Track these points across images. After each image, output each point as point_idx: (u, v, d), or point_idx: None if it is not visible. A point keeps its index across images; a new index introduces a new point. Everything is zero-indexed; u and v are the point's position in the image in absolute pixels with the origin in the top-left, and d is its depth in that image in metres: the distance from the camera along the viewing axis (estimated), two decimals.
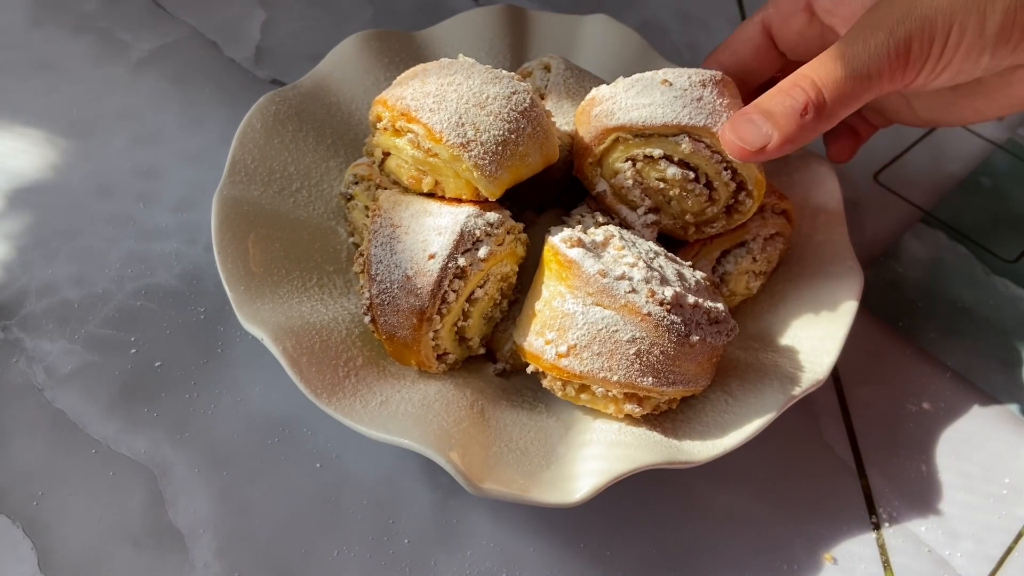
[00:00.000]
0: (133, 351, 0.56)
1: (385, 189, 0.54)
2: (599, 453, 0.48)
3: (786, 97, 0.44)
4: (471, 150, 0.48)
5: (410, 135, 0.49)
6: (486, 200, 0.50)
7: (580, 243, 0.49)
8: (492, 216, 0.49)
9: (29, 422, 0.52)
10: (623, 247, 0.50)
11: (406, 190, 0.52)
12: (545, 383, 0.51)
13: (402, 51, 0.67)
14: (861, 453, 0.56)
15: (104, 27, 0.75)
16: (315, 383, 0.47)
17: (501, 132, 0.49)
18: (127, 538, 0.48)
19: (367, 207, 0.56)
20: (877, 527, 0.52)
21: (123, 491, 0.50)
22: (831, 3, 0.52)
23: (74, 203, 0.63)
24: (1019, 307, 0.64)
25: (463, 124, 0.48)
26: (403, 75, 0.52)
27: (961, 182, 0.73)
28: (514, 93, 0.50)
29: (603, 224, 0.54)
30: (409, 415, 0.47)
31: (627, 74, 0.64)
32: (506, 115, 0.49)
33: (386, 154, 0.52)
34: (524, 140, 0.50)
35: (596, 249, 0.49)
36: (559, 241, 0.49)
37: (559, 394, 0.50)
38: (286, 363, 0.47)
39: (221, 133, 0.68)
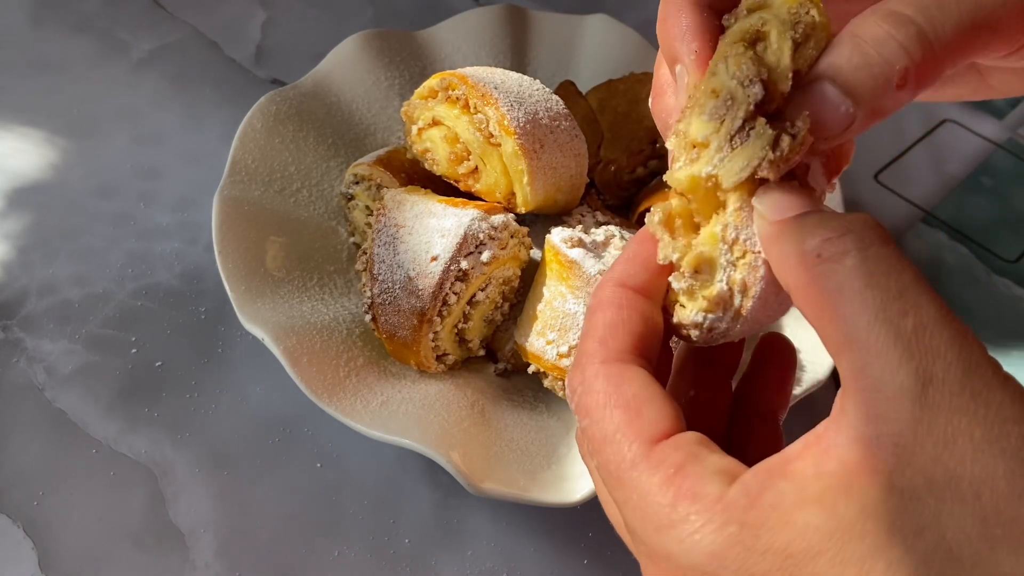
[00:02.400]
0: (133, 351, 0.56)
1: (388, 188, 0.54)
2: None
3: (875, 59, 0.27)
4: (533, 160, 0.49)
5: (479, 116, 0.50)
6: (504, 206, 0.51)
7: (581, 243, 0.49)
8: (496, 219, 0.49)
9: (30, 422, 0.52)
10: (624, 247, 0.50)
11: (411, 179, 0.53)
12: (546, 383, 0.51)
13: (402, 51, 0.67)
14: None
15: (104, 27, 0.75)
16: (316, 383, 0.47)
17: (560, 162, 0.51)
18: (128, 538, 0.48)
19: (368, 207, 0.56)
20: None
21: (124, 491, 0.50)
22: None
23: (74, 203, 0.63)
24: (1020, 307, 0.64)
25: (535, 133, 0.49)
26: (475, 67, 0.53)
27: (962, 182, 0.73)
28: (576, 138, 0.53)
29: (603, 224, 0.54)
30: (410, 415, 0.47)
31: (627, 73, 0.64)
32: (568, 150, 0.52)
33: (433, 124, 0.52)
34: (566, 181, 0.53)
35: (597, 249, 0.49)
36: (560, 241, 0.49)
37: (560, 394, 0.50)
38: (287, 363, 0.47)
39: (221, 133, 0.68)
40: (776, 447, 0.29)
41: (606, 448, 0.27)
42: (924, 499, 0.22)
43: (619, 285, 0.30)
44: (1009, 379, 0.24)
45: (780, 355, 0.35)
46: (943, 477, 0.22)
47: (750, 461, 0.27)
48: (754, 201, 0.28)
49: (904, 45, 0.27)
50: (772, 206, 0.27)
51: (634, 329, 0.29)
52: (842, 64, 0.27)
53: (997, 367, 0.24)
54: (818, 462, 0.23)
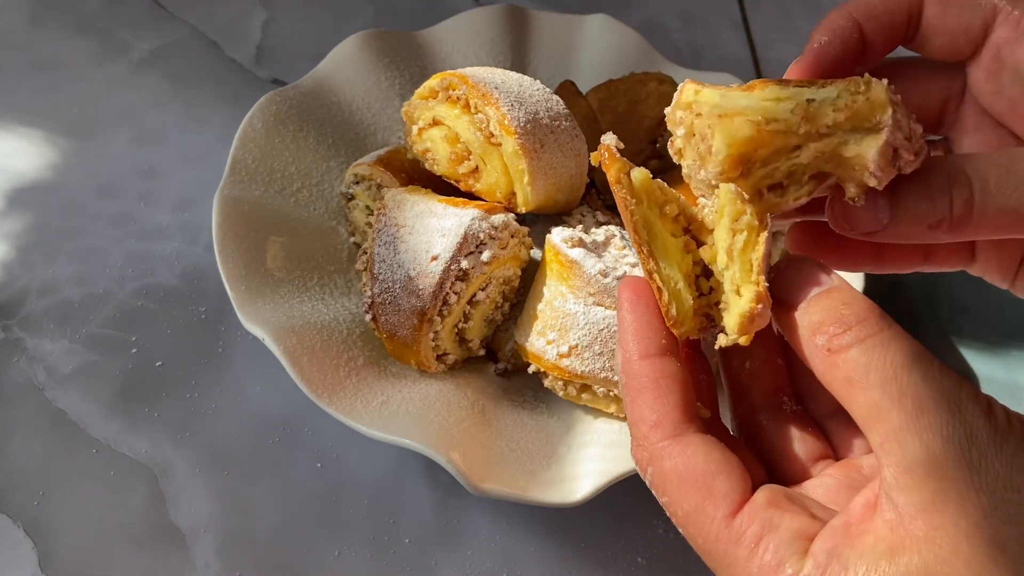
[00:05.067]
0: (134, 351, 0.56)
1: (388, 188, 0.54)
2: (600, 454, 0.48)
3: (926, 193, 0.32)
4: (533, 160, 0.49)
5: (479, 116, 0.50)
6: (505, 205, 0.51)
7: (581, 243, 0.49)
8: (497, 219, 0.49)
9: (30, 422, 0.52)
10: (624, 247, 0.50)
11: (411, 179, 0.53)
12: (546, 383, 0.51)
13: (403, 51, 0.67)
14: None
15: (105, 27, 0.75)
16: (316, 383, 0.47)
17: (560, 162, 0.51)
18: (128, 537, 0.48)
19: (368, 207, 0.56)
20: None
21: (124, 491, 0.50)
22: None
23: (75, 203, 0.63)
24: (1019, 307, 0.64)
25: (536, 133, 0.49)
26: (476, 67, 0.53)
27: None
28: (576, 138, 0.53)
29: (604, 224, 0.54)
30: (410, 415, 0.47)
31: (627, 73, 0.64)
32: (568, 150, 0.52)
33: (433, 124, 0.52)
34: (566, 181, 0.53)
35: (597, 249, 0.49)
36: (560, 241, 0.49)
37: (560, 394, 0.50)
38: (287, 363, 0.47)
39: (222, 133, 0.68)
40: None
41: (689, 527, 0.31)
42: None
43: (644, 358, 0.32)
44: (1007, 442, 0.27)
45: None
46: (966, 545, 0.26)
47: (820, 407, 0.35)
48: (769, 282, 0.32)
49: (952, 200, 0.32)
50: (787, 286, 0.31)
51: (677, 400, 0.32)
52: (903, 186, 0.32)
53: (993, 429, 0.27)
54: (874, 529, 0.27)
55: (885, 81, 0.31)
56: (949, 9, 0.37)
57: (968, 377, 0.60)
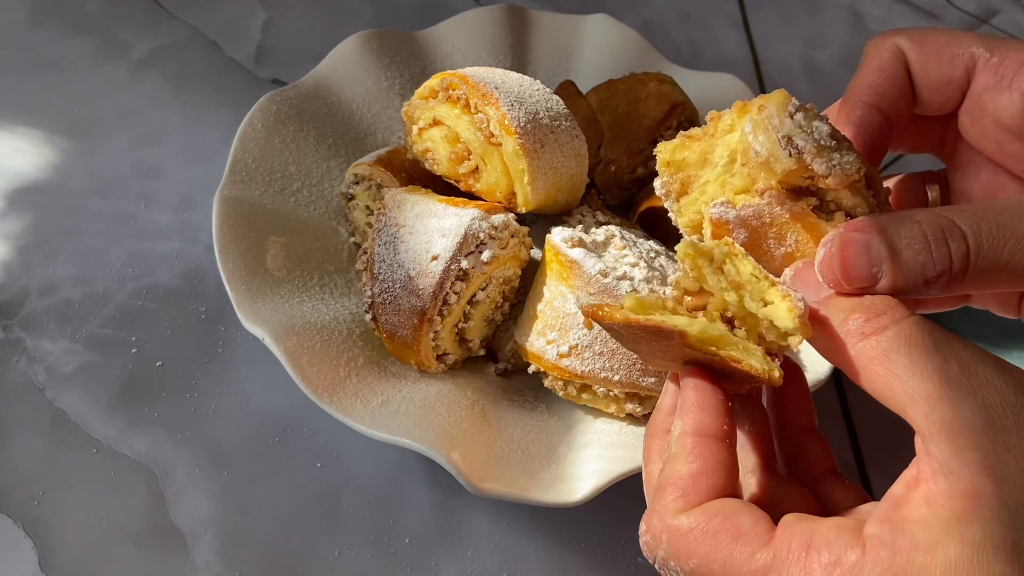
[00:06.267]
0: (134, 351, 0.56)
1: (389, 188, 0.54)
2: (600, 454, 0.48)
3: (925, 244, 0.31)
4: (533, 160, 0.49)
5: (479, 115, 0.50)
6: (504, 205, 0.51)
7: (581, 243, 0.49)
8: (497, 219, 0.49)
9: (30, 422, 0.52)
10: (624, 247, 0.50)
11: (411, 179, 0.53)
12: (547, 383, 0.51)
13: (403, 51, 0.67)
14: (862, 452, 0.56)
15: (104, 27, 0.75)
16: (316, 383, 0.47)
17: (560, 162, 0.51)
18: (128, 537, 0.48)
19: (368, 207, 0.56)
20: None
21: (124, 491, 0.50)
22: None
23: (74, 203, 0.63)
24: None
25: (536, 133, 0.49)
26: (476, 67, 0.53)
27: None
28: (576, 138, 0.53)
29: (603, 224, 0.54)
30: (410, 415, 0.47)
31: (627, 73, 0.64)
32: (568, 150, 0.52)
33: (433, 124, 0.52)
34: (566, 181, 0.52)
35: (597, 249, 0.49)
36: (560, 241, 0.49)
37: (560, 394, 0.50)
38: (287, 363, 0.47)
39: (222, 133, 0.68)
40: (825, 452, 0.35)
41: (732, 572, 0.29)
42: None
43: (699, 435, 0.32)
44: None
45: (792, 374, 0.38)
46: None
47: (811, 469, 0.35)
48: (791, 283, 0.33)
49: (950, 251, 0.31)
50: (811, 288, 0.33)
51: (716, 483, 0.31)
52: (899, 238, 0.31)
53: None
54: (929, 500, 0.27)
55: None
56: (928, 64, 0.38)
57: None
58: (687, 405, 0.33)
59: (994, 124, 0.38)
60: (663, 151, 0.37)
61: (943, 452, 0.27)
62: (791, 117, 0.33)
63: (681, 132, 0.38)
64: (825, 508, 0.34)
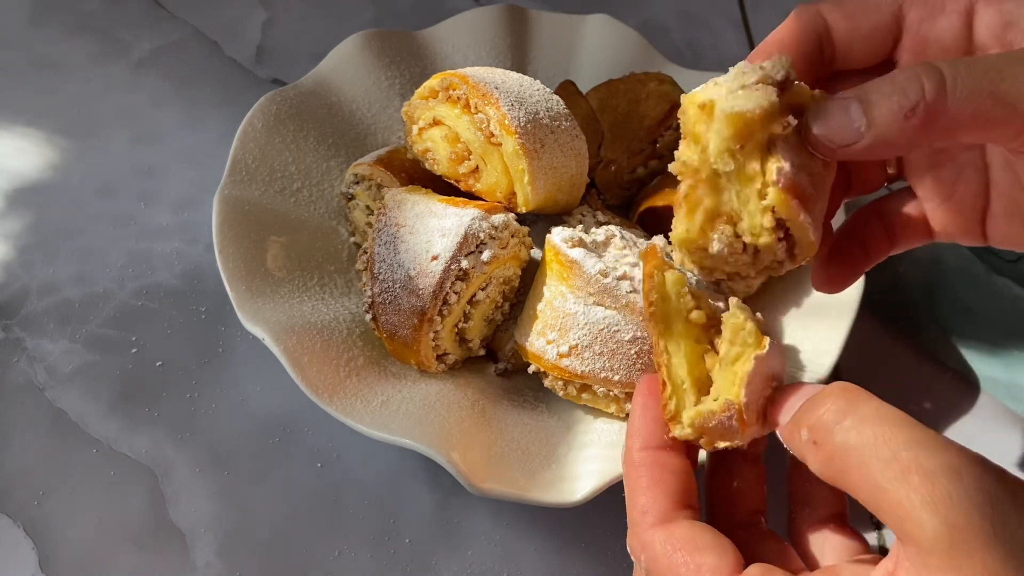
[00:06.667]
0: (134, 351, 0.56)
1: (389, 188, 0.54)
2: (600, 454, 0.48)
3: (895, 88, 0.32)
4: (533, 160, 0.49)
5: (479, 115, 0.50)
6: (505, 205, 0.51)
7: (581, 243, 0.49)
8: (497, 219, 0.49)
9: (30, 422, 0.52)
10: (624, 247, 0.50)
11: (411, 179, 0.53)
12: (546, 383, 0.51)
13: (403, 51, 0.67)
14: None
15: (105, 27, 0.75)
16: (316, 383, 0.47)
17: (560, 162, 0.51)
18: (128, 538, 0.48)
19: (368, 206, 0.56)
20: (879, 527, 0.52)
21: (124, 491, 0.50)
22: (1005, 17, 0.36)
23: (74, 203, 0.63)
24: (1020, 307, 0.64)
25: (536, 133, 0.49)
26: (476, 67, 0.53)
27: None
28: (576, 138, 0.53)
29: (604, 224, 0.54)
30: (410, 415, 0.47)
31: (627, 73, 0.64)
32: (568, 150, 0.52)
33: (433, 124, 0.52)
34: (566, 181, 0.52)
35: (597, 249, 0.49)
36: (560, 241, 0.49)
37: (560, 394, 0.50)
38: (287, 362, 0.47)
39: (222, 133, 0.68)
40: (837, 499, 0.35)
41: None
42: None
43: (643, 449, 0.34)
44: (1016, 505, 0.26)
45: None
46: None
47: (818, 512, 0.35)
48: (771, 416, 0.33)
49: (923, 84, 0.31)
50: (785, 413, 0.32)
51: (668, 490, 0.33)
52: (871, 88, 0.32)
53: (1010, 493, 0.26)
54: None
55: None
56: (855, 17, 0.38)
57: (968, 377, 0.60)
58: (630, 421, 0.35)
59: (939, 52, 0.37)
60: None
61: (921, 562, 0.26)
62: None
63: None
64: (809, 563, 0.34)
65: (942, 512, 0.25)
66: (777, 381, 0.33)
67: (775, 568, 0.29)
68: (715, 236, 0.34)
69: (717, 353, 0.34)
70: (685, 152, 0.34)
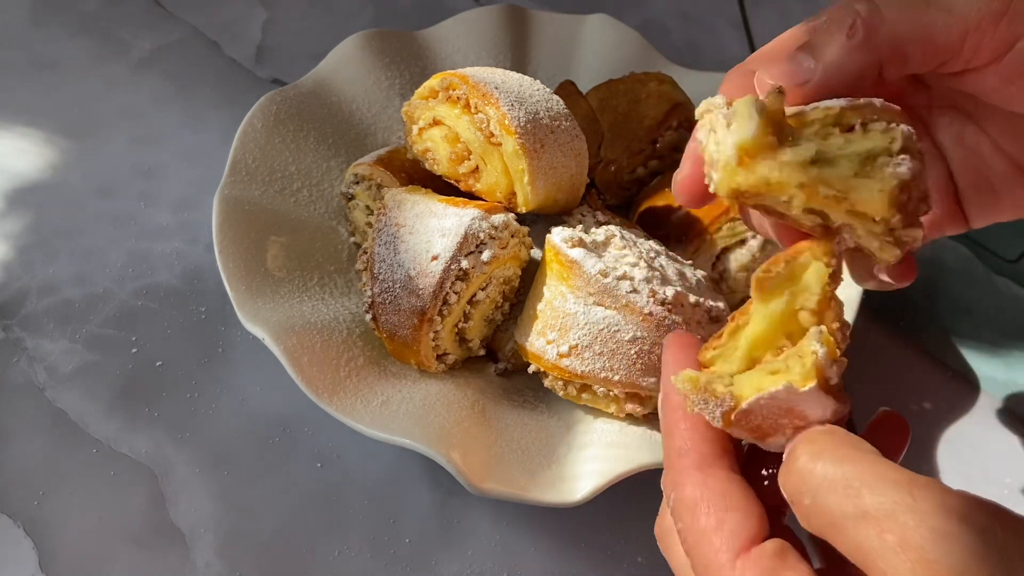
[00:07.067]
0: (134, 351, 0.56)
1: (389, 188, 0.54)
2: (600, 454, 0.48)
3: (831, 17, 0.33)
4: (533, 160, 0.49)
5: (479, 115, 0.50)
6: (505, 205, 0.51)
7: (581, 243, 0.49)
8: (497, 219, 0.49)
9: (30, 422, 0.52)
10: (624, 247, 0.50)
11: (411, 179, 0.53)
12: (547, 383, 0.51)
13: (403, 51, 0.67)
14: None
15: (105, 27, 0.75)
16: (316, 382, 0.47)
17: (560, 162, 0.51)
18: (128, 537, 0.48)
19: (368, 206, 0.56)
20: None
21: (124, 491, 0.50)
22: None
23: (75, 203, 0.63)
24: (1020, 307, 0.64)
25: (536, 133, 0.49)
26: (476, 67, 0.53)
27: None
28: (576, 138, 0.53)
29: (604, 224, 0.54)
30: (410, 415, 0.47)
31: (627, 73, 0.64)
32: (568, 150, 0.52)
33: (433, 124, 0.52)
34: (566, 181, 0.52)
35: (597, 249, 0.49)
36: (560, 241, 0.49)
37: (560, 394, 0.50)
38: (287, 362, 0.47)
39: (222, 133, 0.68)
40: None
41: (693, 554, 0.30)
42: None
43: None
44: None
45: (896, 432, 0.37)
46: None
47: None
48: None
49: (857, 6, 0.32)
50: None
51: (709, 433, 0.32)
52: (809, 29, 0.33)
53: (1011, 529, 0.25)
54: None
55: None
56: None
57: (968, 377, 0.60)
58: (664, 365, 0.34)
59: None
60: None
61: None
62: None
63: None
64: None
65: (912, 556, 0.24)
66: (805, 424, 0.30)
67: (792, 549, 0.29)
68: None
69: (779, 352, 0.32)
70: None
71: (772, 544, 0.29)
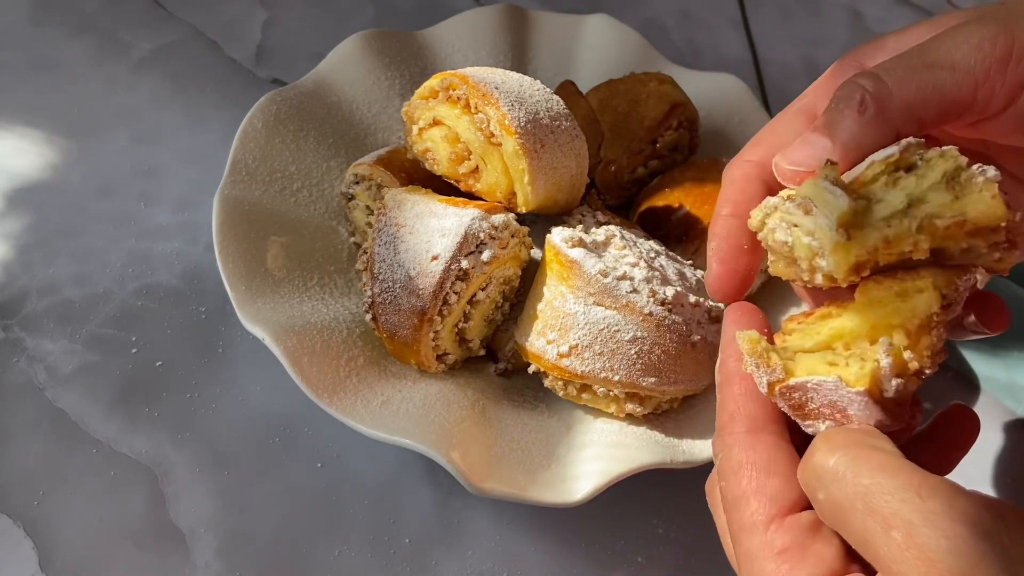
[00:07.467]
0: (134, 351, 0.56)
1: (389, 188, 0.54)
2: (600, 454, 0.48)
3: (838, 97, 0.34)
4: (533, 160, 0.49)
5: (479, 115, 0.50)
6: (505, 205, 0.51)
7: (581, 243, 0.49)
8: (497, 219, 0.49)
9: (30, 422, 0.52)
10: (624, 247, 0.50)
11: (411, 179, 0.53)
12: (547, 383, 0.51)
13: (403, 51, 0.67)
14: None
15: (105, 27, 0.75)
16: (316, 382, 0.47)
17: (560, 162, 0.51)
18: (128, 538, 0.48)
19: (368, 206, 0.56)
20: None
21: (124, 491, 0.50)
22: None
23: (75, 203, 0.63)
24: (1020, 307, 0.64)
25: (536, 133, 0.49)
26: (476, 67, 0.53)
27: None
28: (576, 138, 0.52)
29: (604, 224, 0.54)
30: (410, 415, 0.47)
31: (627, 73, 0.64)
32: (568, 150, 0.52)
33: (433, 124, 0.52)
34: (566, 181, 0.52)
35: (597, 249, 0.49)
36: (560, 241, 0.49)
37: (560, 394, 0.50)
38: (287, 362, 0.47)
39: (222, 133, 0.68)
40: None
41: (731, 511, 0.31)
42: None
43: (739, 359, 0.33)
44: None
45: (964, 426, 0.37)
46: None
47: None
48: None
49: (861, 83, 0.33)
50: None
51: (761, 399, 0.32)
52: (821, 114, 0.34)
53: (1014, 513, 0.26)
54: None
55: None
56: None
57: (968, 377, 0.60)
58: (725, 328, 0.35)
59: None
60: None
61: None
62: None
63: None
64: None
65: (949, 528, 0.25)
66: (845, 422, 0.30)
67: (824, 525, 0.29)
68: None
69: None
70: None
71: (808, 515, 0.29)
